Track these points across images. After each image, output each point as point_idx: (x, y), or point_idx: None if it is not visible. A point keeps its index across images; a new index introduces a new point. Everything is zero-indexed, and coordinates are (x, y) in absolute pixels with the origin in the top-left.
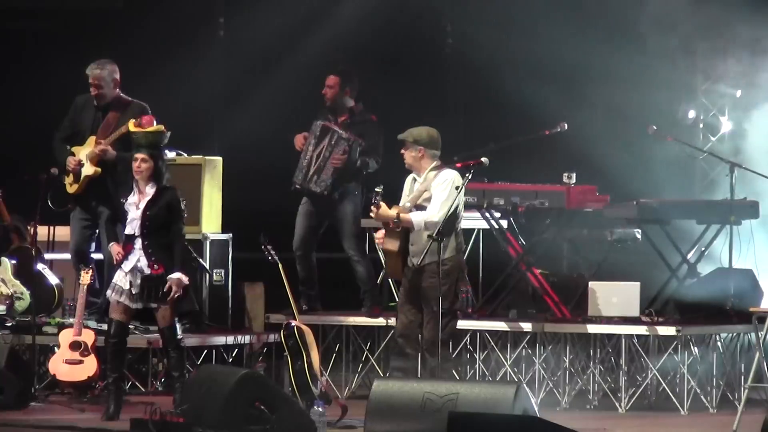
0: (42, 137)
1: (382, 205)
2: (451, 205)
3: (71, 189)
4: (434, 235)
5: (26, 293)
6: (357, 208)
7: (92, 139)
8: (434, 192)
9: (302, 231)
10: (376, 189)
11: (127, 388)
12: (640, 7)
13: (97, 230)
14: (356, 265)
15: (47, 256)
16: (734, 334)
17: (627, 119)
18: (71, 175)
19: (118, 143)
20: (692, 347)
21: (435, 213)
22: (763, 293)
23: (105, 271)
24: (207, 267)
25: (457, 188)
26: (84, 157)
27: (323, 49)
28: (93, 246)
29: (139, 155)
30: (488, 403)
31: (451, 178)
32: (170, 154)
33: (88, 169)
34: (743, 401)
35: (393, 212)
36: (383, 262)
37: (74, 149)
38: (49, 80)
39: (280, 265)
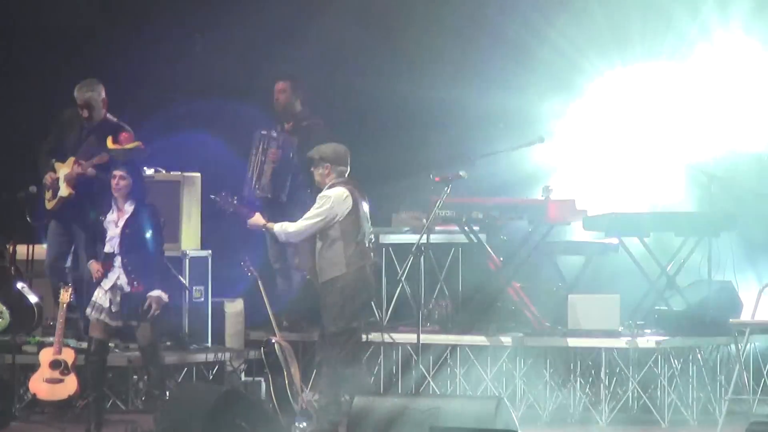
0: (20, 156)
1: (256, 214)
2: (325, 222)
3: (49, 205)
4: (414, 250)
5: (5, 312)
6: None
7: (71, 160)
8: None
9: (273, 243)
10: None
11: (108, 406)
12: (619, 16)
13: (73, 246)
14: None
15: (26, 274)
16: (714, 346)
17: (605, 131)
18: (50, 190)
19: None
20: (672, 360)
21: (294, 224)
22: (742, 305)
23: (84, 288)
24: (187, 284)
25: (341, 204)
26: (62, 176)
27: (300, 64)
28: (69, 260)
29: (118, 172)
30: (469, 417)
31: (330, 194)
32: (149, 171)
33: (63, 191)
34: (724, 413)
35: (262, 221)
36: None
37: (56, 166)
38: (26, 98)
39: (259, 282)
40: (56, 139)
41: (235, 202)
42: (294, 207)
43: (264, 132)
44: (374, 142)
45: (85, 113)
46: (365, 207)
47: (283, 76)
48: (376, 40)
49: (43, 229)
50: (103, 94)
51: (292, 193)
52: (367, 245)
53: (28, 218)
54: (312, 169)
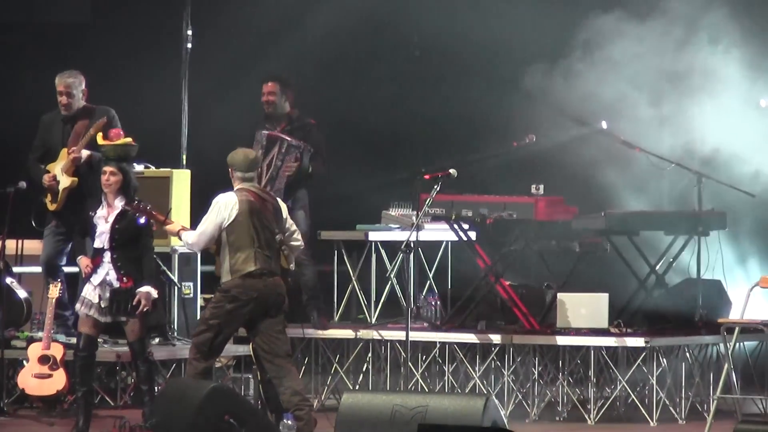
0: (9, 151)
1: (174, 221)
2: (215, 227)
3: (52, 207)
4: (403, 248)
5: None
6: (307, 213)
7: (64, 151)
8: None
9: None
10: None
11: (97, 401)
12: (606, 18)
13: (71, 244)
14: (303, 269)
15: (15, 269)
16: (703, 345)
17: (594, 130)
18: (49, 193)
19: (88, 147)
20: (661, 358)
21: (192, 233)
22: (731, 304)
23: (79, 284)
24: (175, 280)
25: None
26: (59, 171)
27: (290, 61)
28: (64, 259)
29: (108, 168)
30: (457, 415)
31: (216, 201)
32: (138, 167)
33: (64, 182)
34: (712, 412)
35: (178, 227)
36: None
37: (49, 167)
38: (16, 94)
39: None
40: (42, 145)
41: (149, 208)
42: (294, 208)
43: (276, 133)
44: (365, 141)
45: (64, 99)
46: (272, 214)
47: (271, 76)
48: (369, 38)
49: (33, 228)
50: (84, 85)
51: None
52: (267, 255)
53: (33, 224)
54: None
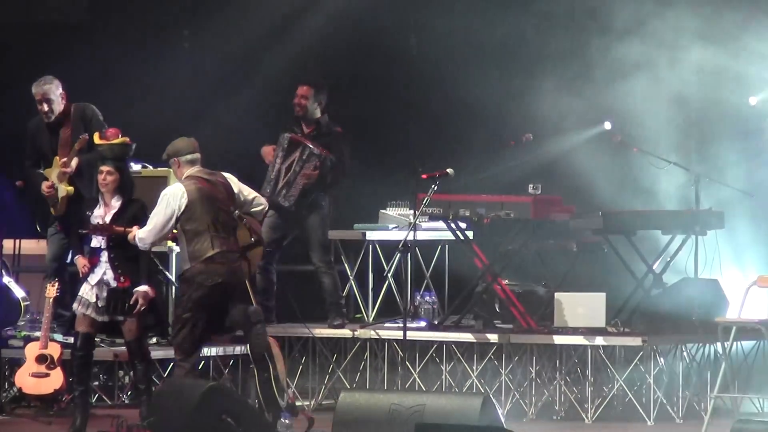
0: (7, 150)
1: (133, 228)
2: (165, 220)
3: (55, 212)
4: (400, 247)
5: None
6: (325, 219)
7: (56, 159)
8: None
9: (266, 244)
10: None
11: (94, 401)
12: (607, 18)
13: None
14: (323, 276)
15: (13, 268)
16: (700, 344)
17: (592, 129)
18: (50, 201)
19: (79, 153)
20: (658, 357)
21: (143, 229)
22: (728, 303)
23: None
24: (173, 280)
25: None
26: (55, 179)
27: (289, 61)
28: (69, 256)
29: (105, 168)
30: (455, 415)
31: (164, 193)
32: (136, 167)
33: (61, 191)
34: (710, 411)
35: (134, 233)
36: None
37: (46, 172)
38: (12, 93)
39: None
40: (34, 151)
41: (106, 225)
42: (311, 212)
43: (299, 138)
44: (363, 140)
45: (44, 107)
46: (223, 194)
47: (305, 80)
48: (366, 37)
49: (32, 228)
50: (61, 89)
51: (312, 203)
52: (224, 236)
53: (38, 229)
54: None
